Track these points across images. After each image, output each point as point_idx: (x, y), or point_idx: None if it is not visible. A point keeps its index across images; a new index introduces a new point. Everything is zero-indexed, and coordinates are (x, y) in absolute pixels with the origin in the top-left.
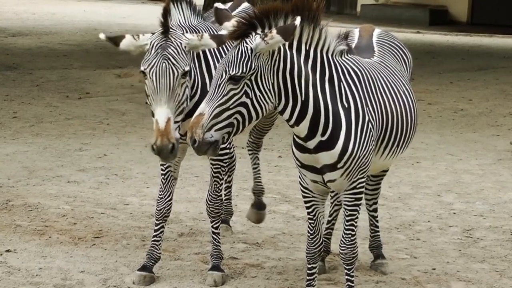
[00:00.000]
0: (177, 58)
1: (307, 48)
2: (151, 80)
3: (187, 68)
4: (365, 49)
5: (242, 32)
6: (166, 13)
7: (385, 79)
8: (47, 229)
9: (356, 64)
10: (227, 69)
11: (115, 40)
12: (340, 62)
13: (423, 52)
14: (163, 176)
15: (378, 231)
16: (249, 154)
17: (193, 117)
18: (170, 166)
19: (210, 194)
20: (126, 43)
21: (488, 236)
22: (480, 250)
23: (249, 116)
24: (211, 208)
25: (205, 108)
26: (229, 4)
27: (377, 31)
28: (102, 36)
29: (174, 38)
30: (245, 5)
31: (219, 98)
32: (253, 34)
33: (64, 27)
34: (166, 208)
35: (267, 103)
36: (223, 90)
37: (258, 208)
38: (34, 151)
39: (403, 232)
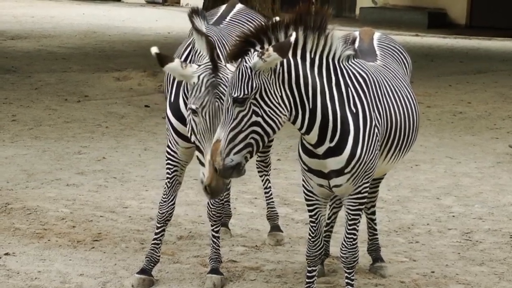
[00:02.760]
0: None
1: (312, 56)
2: (204, 119)
3: None
4: (368, 52)
5: (240, 51)
6: (213, 50)
7: (389, 83)
8: (46, 232)
9: (363, 69)
10: (230, 92)
11: (163, 59)
12: (347, 67)
13: (422, 55)
14: (168, 179)
15: (376, 234)
16: (260, 176)
17: (212, 145)
18: (176, 170)
19: None
20: (172, 67)
21: (487, 239)
22: (479, 253)
23: (266, 132)
24: (212, 212)
25: (220, 134)
26: (223, 6)
27: (377, 34)
28: (153, 50)
29: (223, 74)
30: (239, 6)
31: (231, 123)
32: (252, 51)
33: (63, 30)
34: (168, 212)
35: (280, 116)
36: (232, 114)
37: (276, 231)
38: (33, 154)
39: (402, 235)
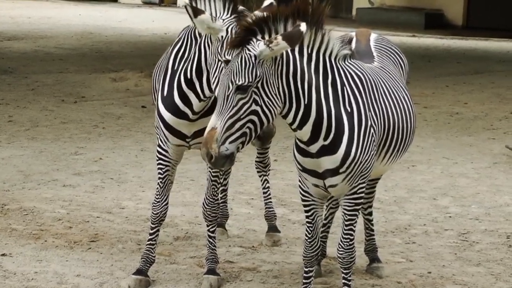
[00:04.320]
0: None
1: (309, 51)
2: None
3: None
4: (365, 54)
5: (243, 40)
6: (236, 2)
7: (386, 84)
8: (43, 233)
9: (359, 69)
10: (233, 79)
11: (195, 11)
12: (343, 67)
13: (419, 55)
14: (160, 179)
15: (373, 235)
16: (259, 176)
17: (206, 132)
18: (168, 170)
19: (207, 198)
20: (204, 18)
21: (483, 240)
22: (476, 254)
23: (261, 123)
24: (208, 212)
25: (216, 122)
26: None
27: (373, 35)
28: (185, 1)
29: None
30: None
31: (230, 110)
32: (254, 40)
33: (60, 31)
34: (162, 212)
35: (276, 107)
36: (232, 102)
37: (273, 231)
38: (30, 155)
39: (398, 235)
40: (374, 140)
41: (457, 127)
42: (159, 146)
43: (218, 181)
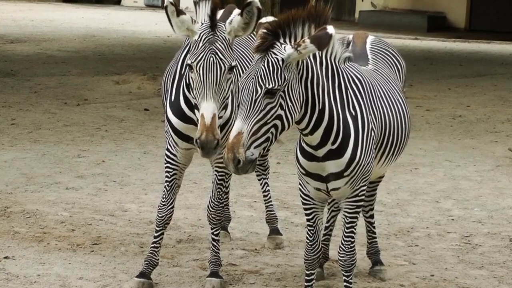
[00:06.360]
0: (224, 53)
1: (320, 54)
2: (198, 74)
3: (233, 63)
4: (359, 56)
5: (270, 44)
6: (215, 8)
7: (381, 87)
8: (46, 235)
9: (357, 72)
10: (261, 83)
11: (178, 10)
12: (344, 69)
13: (421, 58)
14: (167, 183)
15: (375, 237)
16: (258, 180)
17: (231, 136)
18: (175, 173)
19: (213, 201)
20: (185, 19)
21: (486, 243)
22: (479, 257)
23: (282, 128)
24: (212, 215)
25: (242, 126)
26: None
27: (370, 38)
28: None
29: (221, 32)
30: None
31: (257, 114)
32: (279, 44)
33: (63, 34)
34: (168, 215)
35: (297, 112)
36: (260, 105)
37: (275, 234)
38: (32, 157)
39: (401, 238)
40: (374, 143)
41: (459, 130)
42: (168, 150)
43: (224, 185)
